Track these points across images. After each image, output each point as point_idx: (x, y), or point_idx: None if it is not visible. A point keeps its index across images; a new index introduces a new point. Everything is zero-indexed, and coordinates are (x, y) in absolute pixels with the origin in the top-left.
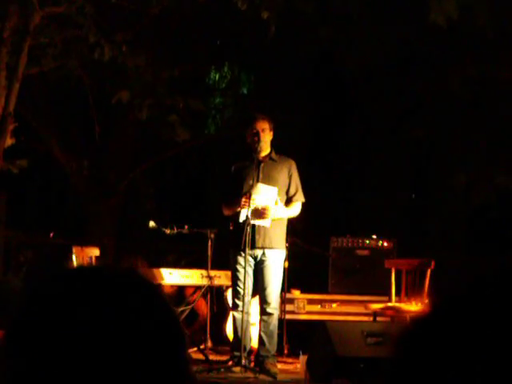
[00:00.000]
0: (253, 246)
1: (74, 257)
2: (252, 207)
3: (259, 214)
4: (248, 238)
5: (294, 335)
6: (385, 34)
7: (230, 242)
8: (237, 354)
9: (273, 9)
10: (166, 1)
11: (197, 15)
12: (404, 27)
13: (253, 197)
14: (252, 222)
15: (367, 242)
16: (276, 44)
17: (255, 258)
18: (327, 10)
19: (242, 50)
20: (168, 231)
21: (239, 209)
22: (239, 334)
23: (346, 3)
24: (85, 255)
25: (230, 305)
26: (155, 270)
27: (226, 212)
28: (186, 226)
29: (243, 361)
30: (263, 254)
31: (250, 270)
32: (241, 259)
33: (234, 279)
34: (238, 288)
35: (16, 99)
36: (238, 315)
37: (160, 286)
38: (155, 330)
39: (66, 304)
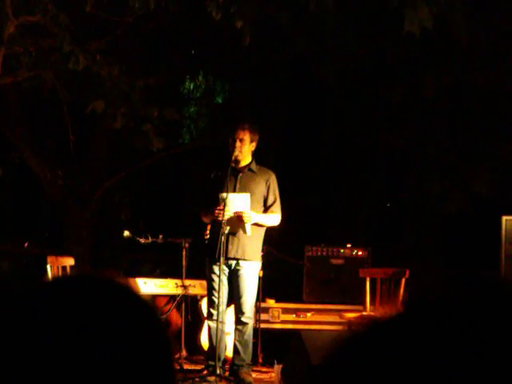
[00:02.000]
0: (227, 257)
1: (48, 266)
2: (226, 217)
3: (236, 221)
4: (223, 248)
5: (269, 344)
6: (360, 43)
7: (205, 250)
8: (211, 363)
9: (247, 18)
10: (141, 10)
11: (171, 24)
12: (379, 36)
13: (226, 208)
14: (231, 231)
15: (342, 250)
16: (250, 53)
17: (229, 267)
18: (302, 19)
19: (217, 59)
20: (142, 240)
21: (214, 218)
22: (214, 343)
23: (320, 12)
24: (59, 265)
25: (205, 314)
26: (130, 280)
27: (205, 219)
28: (161, 236)
29: (218, 370)
30: (237, 263)
31: (225, 279)
32: (216, 268)
33: (209, 288)
34: (213, 297)
35: None
36: (212, 324)
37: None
38: (143, 339)
39: (45, 316)
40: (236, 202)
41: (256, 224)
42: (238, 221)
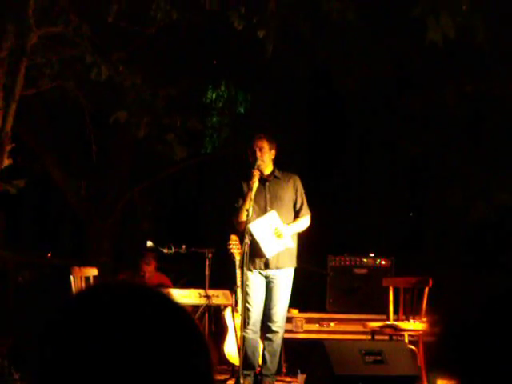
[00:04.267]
0: (266, 266)
1: (71, 277)
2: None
3: (273, 240)
4: (247, 259)
5: (292, 354)
6: (382, 52)
7: (241, 261)
8: (247, 372)
9: (269, 28)
10: (162, 20)
11: (193, 34)
12: (401, 44)
13: (246, 240)
14: (275, 251)
15: (365, 260)
16: (273, 63)
17: (267, 277)
18: (324, 28)
19: (239, 69)
20: (166, 251)
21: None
22: (249, 352)
23: (343, 21)
24: (83, 275)
25: (228, 324)
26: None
27: (239, 223)
28: (184, 246)
29: (241, 380)
30: (275, 272)
31: (262, 289)
32: (251, 278)
33: (244, 298)
34: (248, 306)
35: (13, 120)
36: (246, 334)
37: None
38: (186, 349)
39: (94, 326)
40: (262, 227)
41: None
42: (275, 240)
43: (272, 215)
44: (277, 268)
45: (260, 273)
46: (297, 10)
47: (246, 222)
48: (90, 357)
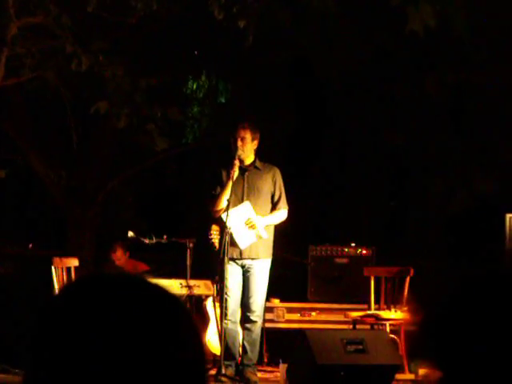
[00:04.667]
0: (241, 257)
1: (53, 268)
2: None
3: (247, 232)
4: (227, 247)
5: (274, 344)
6: (362, 41)
7: (217, 252)
8: (228, 363)
9: (250, 17)
10: (143, 10)
11: (174, 24)
12: (381, 34)
13: (228, 226)
14: (248, 242)
15: (346, 250)
16: (253, 52)
17: (243, 267)
18: (304, 17)
19: (219, 59)
20: (147, 241)
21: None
22: (229, 343)
23: (322, 10)
24: (64, 266)
25: (210, 314)
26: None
27: (214, 209)
28: (165, 236)
29: (223, 370)
30: (251, 262)
31: (239, 279)
32: (228, 268)
33: (222, 288)
34: (227, 297)
35: None
36: (225, 325)
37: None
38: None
39: (88, 315)
40: (236, 218)
41: (266, 226)
42: (248, 231)
43: (245, 206)
44: (251, 258)
45: (236, 262)
46: None
47: (224, 211)
48: (84, 350)
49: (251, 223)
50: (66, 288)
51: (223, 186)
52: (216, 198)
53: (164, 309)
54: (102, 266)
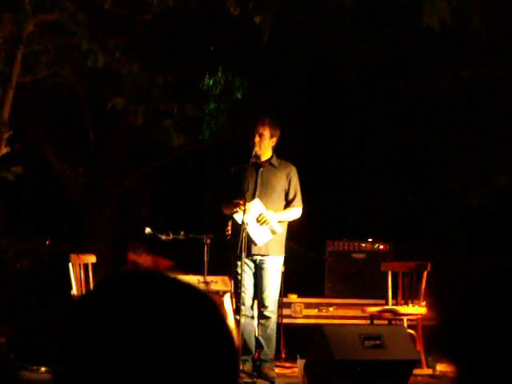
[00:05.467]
0: (251, 253)
1: (70, 264)
2: (248, 213)
3: (261, 229)
4: (244, 244)
5: (292, 339)
6: (378, 37)
7: (229, 247)
8: (245, 357)
9: (266, 13)
10: (159, 7)
11: (190, 20)
12: (397, 29)
13: (248, 204)
14: (265, 239)
15: (363, 245)
16: (270, 48)
17: (254, 262)
18: (321, 14)
19: (236, 54)
20: (164, 237)
21: (234, 212)
22: (246, 337)
23: (339, 7)
24: (81, 262)
25: (227, 310)
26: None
27: (226, 211)
28: (182, 232)
29: (240, 365)
30: (262, 257)
31: (252, 274)
32: (241, 264)
33: (236, 284)
34: (241, 292)
35: (10, 107)
36: (241, 319)
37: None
38: (213, 340)
39: (125, 312)
40: (250, 214)
41: (279, 221)
42: (262, 227)
43: (255, 203)
44: (263, 255)
45: (248, 258)
46: None
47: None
48: (115, 350)
49: (263, 218)
50: (96, 287)
51: (230, 206)
52: (227, 205)
53: (195, 306)
54: (124, 264)
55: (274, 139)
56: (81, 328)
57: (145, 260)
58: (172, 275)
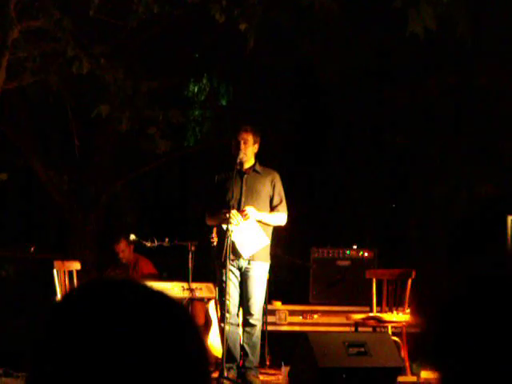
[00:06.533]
0: (238, 257)
1: (54, 271)
2: (234, 223)
3: (247, 232)
4: (228, 251)
5: (276, 346)
6: (363, 44)
7: (214, 255)
8: (229, 365)
9: (251, 21)
10: (144, 14)
11: (175, 27)
12: (382, 37)
13: (233, 212)
14: (251, 252)
15: (348, 252)
16: (254, 55)
17: (240, 269)
18: (306, 20)
19: (221, 61)
20: (149, 244)
21: (221, 221)
22: (230, 345)
23: (324, 13)
24: (66, 269)
25: (212, 317)
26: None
27: (210, 222)
28: (167, 239)
29: (225, 373)
30: (248, 264)
31: (237, 282)
32: (226, 272)
33: (221, 292)
34: (226, 300)
35: None
36: (226, 327)
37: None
38: (183, 347)
39: (92, 322)
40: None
41: (260, 222)
42: (247, 230)
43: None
44: (249, 260)
45: (233, 265)
46: (278, 1)
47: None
48: (86, 356)
49: (245, 214)
50: (69, 294)
51: (214, 217)
52: (211, 217)
53: (166, 315)
54: (106, 268)
55: (256, 146)
56: (52, 334)
57: (128, 254)
58: (146, 283)
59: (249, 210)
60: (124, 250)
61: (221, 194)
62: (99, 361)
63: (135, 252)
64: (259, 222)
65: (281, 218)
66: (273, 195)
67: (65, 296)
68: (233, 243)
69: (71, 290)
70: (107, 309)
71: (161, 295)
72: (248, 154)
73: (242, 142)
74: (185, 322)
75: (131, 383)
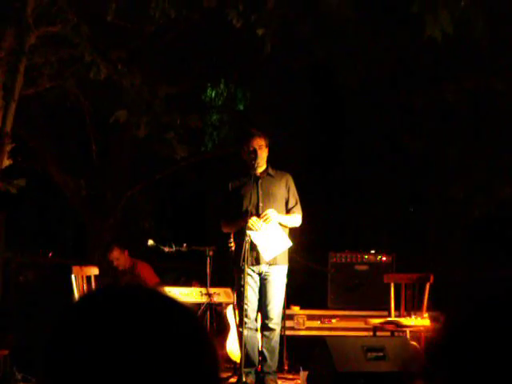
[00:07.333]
0: (257, 262)
1: (73, 276)
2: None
3: (268, 237)
4: (247, 256)
5: (294, 351)
6: (381, 49)
7: (232, 260)
8: (247, 370)
9: (268, 26)
10: (161, 19)
11: (192, 32)
12: (399, 41)
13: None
14: (273, 253)
15: (366, 257)
16: (272, 60)
17: (260, 274)
18: (323, 25)
19: (238, 66)
20: (167, 249)
21: (240, 228)
22: (249, 350)
23: (342, 19)
24: (84, 274)
25: (230, 322)
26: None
27: (226, 230)
28: (185, 244)
29: (243, 378)
30: (268, 268)
31: (256, 287)
32: (245, 276)
33: (239, 297)
34: (245, 306)
35: (13, 119)
36: (245, 332)
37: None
38: (193, 352)
39: (101, 328)
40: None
41: (280, 224)
42: (271, 233)
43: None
44: (269, 264)
45: (252, 270)
46: (295, 7)
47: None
48: (95, 358)
49: (267, 217)
50: (79, 300)
51: (231, 225)
52: (225, 225)
53: (176, 321)
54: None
55: (267, 149)
56: (61, 340)
57: (124, 261)
58: (156, 290)
59: (270, 212)
60: (118, 258)
61: (237, 200)
62: (106, 366)
63: (132, 257)
64: (279, 224)
65: (297, 219)
66: (288, 197)
67: (73, 303)
68: (254, 247)
69: (80, 298)
70: (114, 317)
71: (170, 301)
72: (263, 159)
73: (257, 148)
74: (194, 327)
75: None
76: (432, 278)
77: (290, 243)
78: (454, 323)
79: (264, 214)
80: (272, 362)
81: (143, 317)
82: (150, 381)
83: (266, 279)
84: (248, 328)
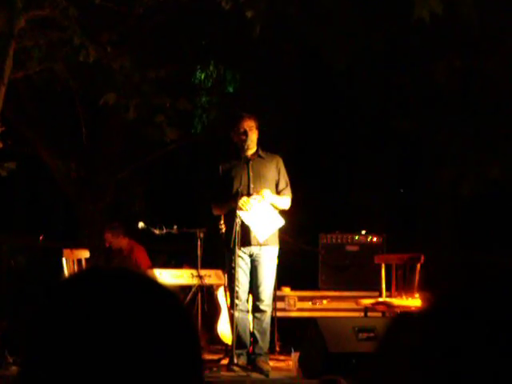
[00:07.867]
0: (248, 243)
1: (64, 259)
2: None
3: (262, 217)
4: (238, 237)
5: (286, 332)
6: (371, 29)
7: (223, 241)
8: (239, 351)
9: (257, 8)
10: (150, 1)
11: (181, 14)
12: (389, 21)
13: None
14: (267, 233)
15: (356, 237)
16: (261, 42)
17: (251, 256)
18: (312, 6)
19: (227, 48)
20: (157, 231)
21: (230, 209)
22: (240, 332)
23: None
24: (75, 257)
25: (221, 304)
26: (146, 271)
27: (216, 212)
28: (175, 226)
29: (235, 359)
30: (259, 250)
31: (247, 269)
32: (236, 258)
33: (230, 278)
34: (235, 287)
35: (2, 103)
36: (237, 314)
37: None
38: (173, 332)
39: (83, 310)
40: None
41: (272, 205)
42: (262, 213)
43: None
44: (260, 245)
45: (243, 251)
46: None
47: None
48: (78, 341)
49: (262, 195)
50: (62, 282)
51: (223, 205)
52: (216, 207)
53: (158, 304)
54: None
55: (257, 131)
56: (42, 321)
57: (120, 242)
58: (141, 273)
59: (265, 191)
60: (112, 242)
61: (228, 182)
62: (88, 349)
63: (130, 239)
64: (271, 204)
65: (287, 201)
66: (278, 179)
67: (57, 284)
68: (246, 228)
69: (64, 279)
70: (98, 298)
71: (153, 284)
72: (254, 141)
73: (248, 130)
74: (176, 310)
75: (122, 371)
76: (423, 258)
77: (282, 221)
78: (441, 304)
79: (261, 192)
80: (263, 344)
81: (124, 298)
82: (130, 363)
83: (256, 261)
84: (239, 310)
